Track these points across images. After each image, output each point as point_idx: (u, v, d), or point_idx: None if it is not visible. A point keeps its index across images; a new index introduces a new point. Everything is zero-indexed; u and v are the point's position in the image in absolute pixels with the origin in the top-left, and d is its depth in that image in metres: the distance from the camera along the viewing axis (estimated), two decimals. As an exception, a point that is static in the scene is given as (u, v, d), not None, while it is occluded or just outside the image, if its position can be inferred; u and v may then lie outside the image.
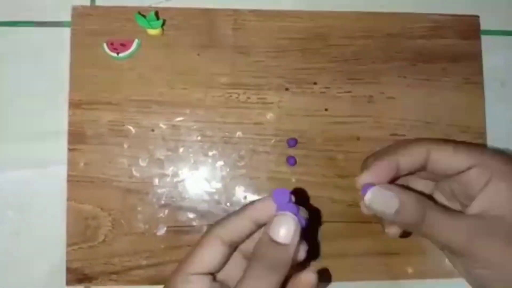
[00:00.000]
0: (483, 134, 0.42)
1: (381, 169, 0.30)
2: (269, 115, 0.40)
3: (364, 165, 0.33)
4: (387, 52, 0.42)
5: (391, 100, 0.41)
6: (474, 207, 0.29)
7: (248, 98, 0.40)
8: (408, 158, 0.30)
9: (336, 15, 0.42)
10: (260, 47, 0.41)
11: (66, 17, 0.41)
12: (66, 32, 0.40)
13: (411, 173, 0.32)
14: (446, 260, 0.33)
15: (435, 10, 0.42)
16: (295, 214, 0.27)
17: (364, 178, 0.30)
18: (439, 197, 0.33)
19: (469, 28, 0.42)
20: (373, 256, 0.40)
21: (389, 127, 0.41)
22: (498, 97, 0.43)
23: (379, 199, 0.29)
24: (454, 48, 0.42)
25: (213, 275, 0.29)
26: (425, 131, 0.41)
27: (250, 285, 0.26)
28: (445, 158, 0.30)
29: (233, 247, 0.29)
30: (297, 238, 0.27)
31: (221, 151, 0.40)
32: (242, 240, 0.29)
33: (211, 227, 0.29)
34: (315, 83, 0.41)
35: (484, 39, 0.43)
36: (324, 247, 0.40)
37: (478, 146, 0.32)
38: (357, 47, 0.41)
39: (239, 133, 0.40)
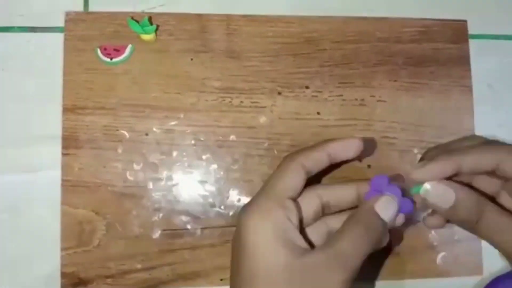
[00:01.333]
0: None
1: (439, 169, 0.31)
2: (262, 119, 0.41)
3: (426, 157, 0.34)
4: (377, 56, 0.42)
5: (382, 103, 0.42)
6: None
7: (241, 102, 0.41)
8: (475, 164, 0.31)
9: (325, 20, 0.42)
10: (253, 52, 0.41)
11: (60, 22, 0.41)
12: (60, 37, 0.41)
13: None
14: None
15: (424, 15, 0.43)
16: (398, 196, 0.32)
17: (419, 174, 0.31)
18: (505, 197, 0.33)
19: (457, 32, 0.43)
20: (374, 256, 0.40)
21: (380, 130, 0.42)
22: (486, 100, 0.43)
23: (435, 192, 0.31)
24: (443, 52, 0.43)
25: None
26: (415, 133, 0.42)
27: (351, 239, 0.29)
28: None
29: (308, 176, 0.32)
30: (393, 219, 0.32)
31: (215, 154, 0.40)
32: (315, 172, 0.33)
33: (290, 156, 0.32)
34: (307, 87, 0.42)
35: (472, 42, 0.43)
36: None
37: None
38: (347, 51, 0.42)
39: (232, 137, 0.41)
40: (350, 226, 0.30)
